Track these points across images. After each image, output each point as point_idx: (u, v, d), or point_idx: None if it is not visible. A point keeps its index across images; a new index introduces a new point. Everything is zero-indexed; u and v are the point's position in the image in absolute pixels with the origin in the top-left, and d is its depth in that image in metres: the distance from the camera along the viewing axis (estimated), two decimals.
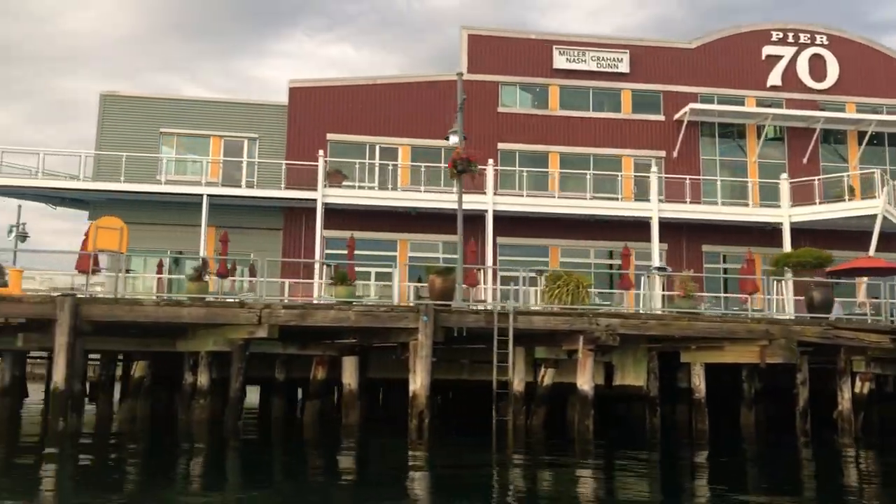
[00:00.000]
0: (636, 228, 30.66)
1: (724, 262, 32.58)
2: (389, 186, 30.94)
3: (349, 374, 18.94)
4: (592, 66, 32.93)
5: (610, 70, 33.01)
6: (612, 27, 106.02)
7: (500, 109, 32.44)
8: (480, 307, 19.24)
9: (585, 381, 17.73)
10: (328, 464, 14.78)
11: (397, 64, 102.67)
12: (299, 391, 23.35)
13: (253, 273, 25.17)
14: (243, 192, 29.22)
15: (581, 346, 17.67)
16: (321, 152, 28.82)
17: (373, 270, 29.04)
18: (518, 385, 18.37)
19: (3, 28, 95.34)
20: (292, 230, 30.56)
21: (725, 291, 29.24)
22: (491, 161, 29.08)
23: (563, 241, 31.22)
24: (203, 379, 18.16)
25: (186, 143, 31.14)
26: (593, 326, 17.64)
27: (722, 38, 34.00)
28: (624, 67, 33.05)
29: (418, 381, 16.83)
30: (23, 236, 36.04)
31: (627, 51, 33.17)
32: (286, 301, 19.59)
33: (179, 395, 18.81)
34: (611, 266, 32.15)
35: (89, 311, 16.22)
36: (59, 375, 15.74)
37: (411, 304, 18.00)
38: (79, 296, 16.23)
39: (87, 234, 21.33)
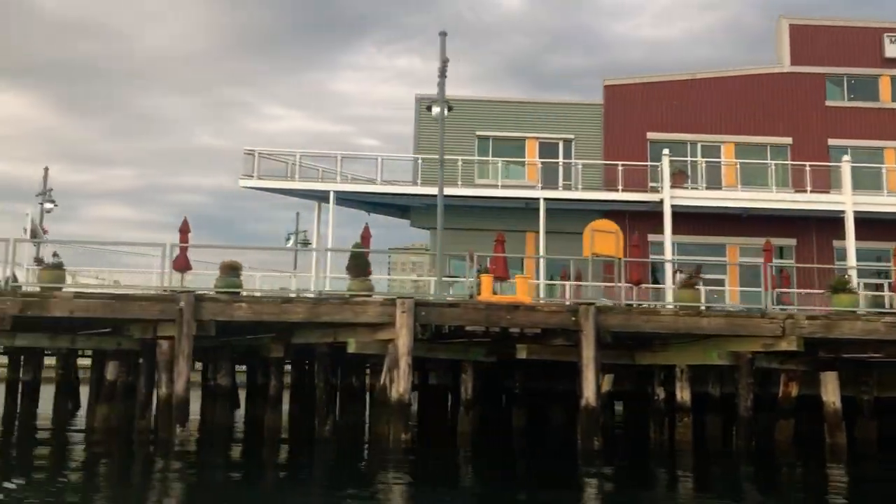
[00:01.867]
0: None
1: None
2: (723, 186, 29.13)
3: (831, 391, 17.29)
4: None
5: None
6: (680, 30, 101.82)
7: (829, 103, 30.26)
8: None
9: None
10: None
11: (467, 73, 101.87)
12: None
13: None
14: (583, 195, 28.09)
15: None
16: (666, 151, 27.33)
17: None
18: None
19: (86, 46, 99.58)
20: None
21: None
22: (846, 157, 27.02)
23: None
24: (685, 395, 16.89)
25: (502, 146, 30.28)
26: None
27: None
28: None
29: None
30: (305, 242, 36.09)
31: None
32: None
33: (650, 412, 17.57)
34: None
35: (606, 320, 15.17)
36: (588, 392, 14.71)
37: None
38: (597, 304, 15.20)
39: (497, 240, 20.61)
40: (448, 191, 28.17)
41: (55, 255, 15.71)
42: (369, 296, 16.02)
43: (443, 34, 16.69)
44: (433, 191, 28.20)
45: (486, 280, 15.87)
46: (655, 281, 26.01)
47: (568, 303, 16.90)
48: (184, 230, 20.34)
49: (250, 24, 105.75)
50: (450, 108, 17.36)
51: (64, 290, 15.53)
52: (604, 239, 16.40)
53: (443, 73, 16.69)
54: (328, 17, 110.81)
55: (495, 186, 28.66)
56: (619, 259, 17.00)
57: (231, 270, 16.06)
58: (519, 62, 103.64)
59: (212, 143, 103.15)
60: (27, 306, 14.85)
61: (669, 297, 24.75)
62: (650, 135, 29.86)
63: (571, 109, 30.51)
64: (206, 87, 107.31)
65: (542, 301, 19.64)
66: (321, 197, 28.69)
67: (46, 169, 28.93)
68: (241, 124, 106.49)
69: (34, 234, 23.31)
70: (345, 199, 29.07)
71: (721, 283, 28.11)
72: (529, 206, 28.35)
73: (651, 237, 28.01)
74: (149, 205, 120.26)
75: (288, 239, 37.09)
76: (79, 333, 16.49)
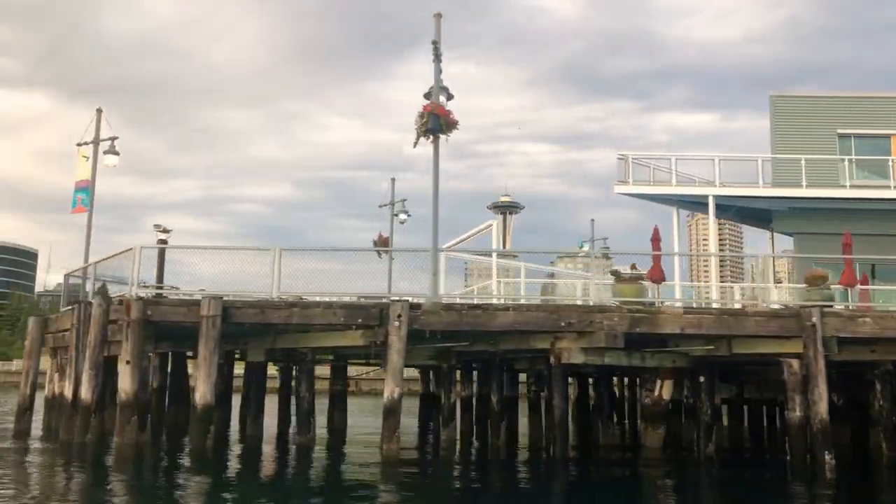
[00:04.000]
0: None
1: None
2: None
3: None
4: None
5: None
6: (741, 30, 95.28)
7: None
8: None
9: None
10: None
11: (521, 79, 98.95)
12: None
13: None
14: None
15: None
16: None
17: None
18: None
19: (153, 64, 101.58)
20: None
21: None
22: None
23: None
24: None
25: (863, 143, 28.44)
26: None
27: None
28: None
29: None
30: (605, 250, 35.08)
31: None
32: None
33: None
34: None
35: None
36: None
37: None
38: None
39: None
40: (833, 193, 26.77)
41: (633, 266, 14.85)
42: None
43: None
44: (829, 193, 26.75)
45: None
46: None
47: None
48: (655, 238, 19.35)
49: (308, 39, 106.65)
50: None
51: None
52: None
53: None
54: (383, 29, 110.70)
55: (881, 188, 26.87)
56: None
57: (821, 281, 14.85)
58: (574, 66, 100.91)
59: (270, 155, 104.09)
60: (636, 322, 14.01)
61: None
62: None
63: None
64: (265, 100, 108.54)
65: None
66: (684, 202, 27.53)
67: (393, 179, 28.56)
68: (299, 135, 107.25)
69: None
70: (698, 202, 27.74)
71: None
72: None
73: None
74: (211, 215, 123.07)
75: (581, 245, 36.21)
76: (645, 350, 15.56)
